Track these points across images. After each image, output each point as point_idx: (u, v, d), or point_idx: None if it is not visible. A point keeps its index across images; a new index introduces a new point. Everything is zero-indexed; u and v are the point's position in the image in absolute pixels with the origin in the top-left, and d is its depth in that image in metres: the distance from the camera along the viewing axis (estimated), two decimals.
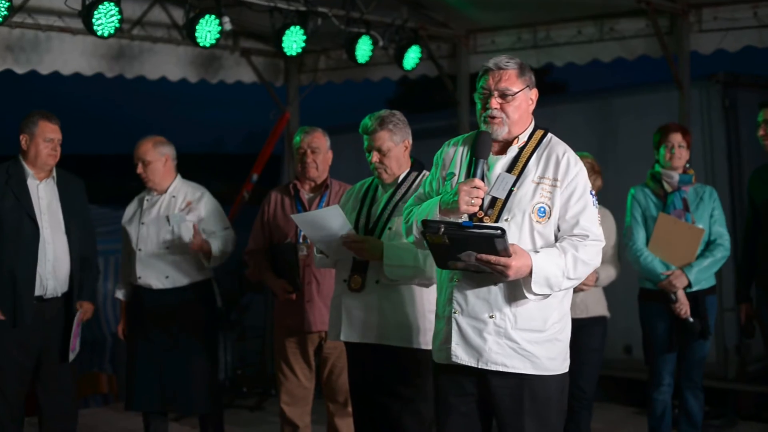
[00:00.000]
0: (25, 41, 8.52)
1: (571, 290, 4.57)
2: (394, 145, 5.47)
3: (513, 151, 4.49)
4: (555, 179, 4.40)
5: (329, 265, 5.68)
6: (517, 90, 4.43)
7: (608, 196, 6.97)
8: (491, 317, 4.39)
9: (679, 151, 6.82)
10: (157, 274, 6.86)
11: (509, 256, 4.19)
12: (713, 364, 8.82)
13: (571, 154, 4.46)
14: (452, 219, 4.36)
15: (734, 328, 9.13)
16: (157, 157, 6.89)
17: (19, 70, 8.65)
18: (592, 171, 6.66)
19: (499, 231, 4.12)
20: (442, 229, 4.19)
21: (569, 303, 4.59)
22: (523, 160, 4.46)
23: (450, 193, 4.41)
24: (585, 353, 6.82)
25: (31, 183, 6.52)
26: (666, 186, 6.83)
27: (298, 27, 8.39)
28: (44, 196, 6.55)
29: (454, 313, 4.47)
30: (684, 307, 6.69)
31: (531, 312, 4.39)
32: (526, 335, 4.38)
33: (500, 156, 4.50)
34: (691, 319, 6.70)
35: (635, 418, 8.59)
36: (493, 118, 4.43)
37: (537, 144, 4.50)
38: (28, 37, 8.53)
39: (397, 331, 5.35)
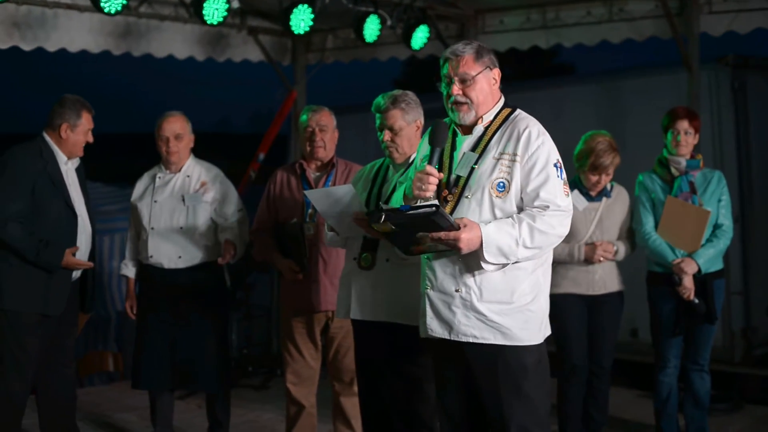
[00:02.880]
0: (31, 18, 8.48)
1: (548, 262, 4.70)
2: (406, 124, 5.50)
3: (478, 130, 4.67)
4: (514, 154, 4.52)
5: (340, 244, 5.68)
6: (475, 73, 4.59)
7: (617, 178, 6.96)
8: (457, 291, 4.56)
9: (684, 139, 6.80)
10: (169, 254, 6.85)
11: (457, 229, 4.35)
12: (719, 348, 8.81)
13: (533, 129, 4.55)
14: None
15: (741, 312, 9.13)
16: (188, 134, 6.91)
17: (26, 47, 8.60)
18: (610, 148, 6.70)
19: (433, 208, 4.28)
20: (383, 217, 4.41)
21: (545, 274, 4.69)
22: (486, 138, 4.63)
23: (408, 182, 4.64)
24: (604, 329, 6.93)
25: (63, 168, 6.46)
26: (674, 171, 6.81)
27: (306, 5, 8.35)
28: (72, 182, 6.52)
29: (426, 288, 4.68)
30: (687, 291, 6.68)
31: (496, 284, 4.52)
32: (493, 306, 4.52)
33: (467, 136, 4.69)
34: (696, 300, 6.70)
35: (641, 401, 8.59)
36: (458, 103, 4.62)
37: (502, 122, 4.65)
38: (34, 13, 8.49)
39: (407, 309, 5.32)
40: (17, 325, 6.32)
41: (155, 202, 6.90)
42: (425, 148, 4.78)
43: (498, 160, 4.53)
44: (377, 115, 5.56)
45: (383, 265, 5.43)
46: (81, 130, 6.47)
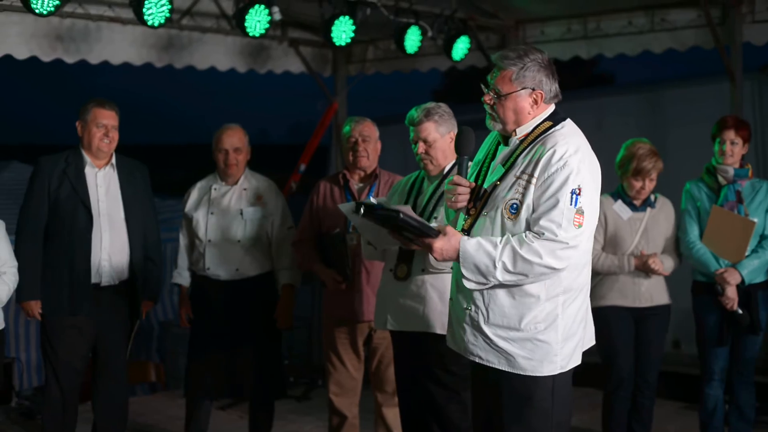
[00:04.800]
0: (75, 31, 8.58)
1: (572, 289, 4.34)
2: (440, 136, 5.52)
3: (513, 143, 4.42)
4: (531, 175, 4.25)
5: (378, 257, 5.70)
6: (507, 92, 4.35)
7: (657, 188, 6.91)
8: (467, 309, 4.40)
9: (730, 148, 6.75)
10: (227, 266, 6.91)
11: (434, 236, 4.25)
12: (764, 360, 8.73)
13: (559, 149, 4.23)
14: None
15: None
16: (246, 146, 6.99)
17: (69, 59, 8.72)
18: (651, 153, 6.65)
19: (394, 213, 4.21)
20: (362, 209, 4.33)
21: (566, 303, 4.34)
22: (517, 153, 4.38)
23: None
24: (650, 343, 6.87)
25: (89, 171, 6.55)
26: (721, 180, 6.77)
27: (347, 17, 8.39)
28: (102, 183, 6.57)
29: (450, 299, 4.59)
30: (730, 302, 6.64)
31: (504, 309, 4.31)
32: (499, 331, 4.32)
33: (506, 147, 4.46)
34: (740, 311, 6.66)
35: (684, 413, 8.53)
36: (487, 112, 4.43)
37: (537, 137, 4.37)
38: (78, 26, 8.59)
39: (443, 319, 5.33)
40: (48, 329, 6.51)
41: (212, 213, 6.95)
42: (480, 153, 4.67)
43: (517, 179, 4.29)
44: (411, 127, 5.59)
45: (419, 276, 5.46)
46: (92, 123, 6.52)
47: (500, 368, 4.35)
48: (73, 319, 6.48)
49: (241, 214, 6.91)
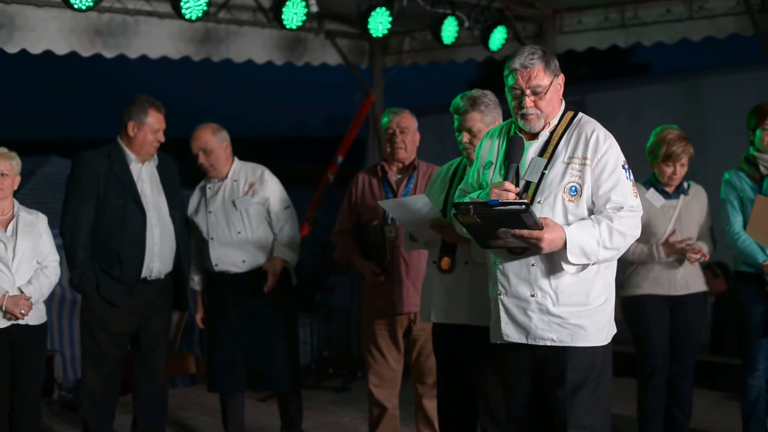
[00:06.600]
0: (113, 26, 8.65)
1: (615, 262, 4.69)
2: (485, 126, 5.37)
3: (544, 135, 4.67)
4: (584, 158, 4.55)
5: (420, 246, 5.67)
6: (547, 84, 4.59)
7: (696, 178, 6.88)
8: (533, 296, 4.58)
9: None
10: (233, 260, 6.95)
11: (541, 229, 4.35)
12: None
13: (600, 132, 4.60)
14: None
15: None
16: (218, 145, 6.97)
17: (108, 54, 8.79)
18: (680, 138, 6.61)
19: (523, 206, 4.27)
20: (472, 210, 4.37)
21: (613, 273, 4.70)
22: (553, 142, 4.64)
23: (485, 191, 4.66)
24: (688, 330, 6.81)
25: (134, 167, 6.59)
26: (762, 169, 6.70)
27: (383, 8, 8.40)
28: (146, 179, 6.63)
29: (500, 294, 4.69)
30: None
31: (571, 287, 4.55)
32: (571, 309, 4.55)
33: (532, 141, 4.68)
34: None
35: (724, 403, 8.49)
36: (530, 115, 4.60)
37: (567, 125, 4.67)
38: (116, 21, 8.65)
39: (486, 311, 5.29)
40: (89, 318, 6.57)
41: (209, 212, 7.00)
42: (486, 152, 4.81)
43: (568, 164, 4.57)
44: (455, 116, 5.48)
45: (462, 268, 5.40)
46: (148, 128, 6.56)
47: (573, 345, 4.55)
48: (117, 311, 6.52)
49: (234, 204, 6.95)
